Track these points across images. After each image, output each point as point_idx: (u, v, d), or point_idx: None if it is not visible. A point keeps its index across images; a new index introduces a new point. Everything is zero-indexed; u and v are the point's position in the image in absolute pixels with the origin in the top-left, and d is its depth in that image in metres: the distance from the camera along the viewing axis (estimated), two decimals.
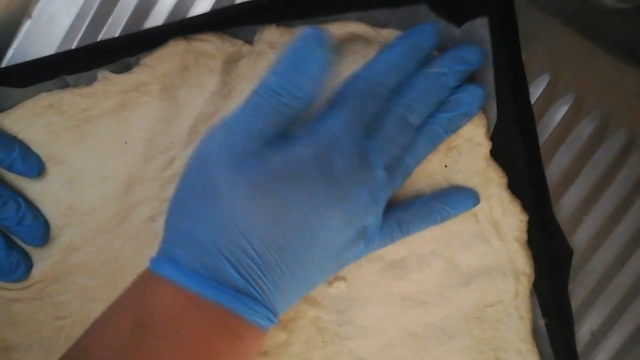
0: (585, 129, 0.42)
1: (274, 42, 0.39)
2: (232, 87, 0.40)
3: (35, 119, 0.39)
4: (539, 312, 0.42)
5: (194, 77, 0.39)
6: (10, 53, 0.41)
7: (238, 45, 0.39)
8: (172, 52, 0.38)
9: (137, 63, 0.38)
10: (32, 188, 0.40)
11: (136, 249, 0.41)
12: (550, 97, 0.42)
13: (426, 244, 0.40)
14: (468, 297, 0.41)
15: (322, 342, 0.41)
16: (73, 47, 0.41)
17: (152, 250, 0.39)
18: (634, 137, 0.42)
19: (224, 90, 0.40)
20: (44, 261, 0.39)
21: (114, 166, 0.40)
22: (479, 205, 0.39)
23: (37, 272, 0.39)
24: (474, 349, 0.41)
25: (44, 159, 0.39)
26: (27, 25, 0.41)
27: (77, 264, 0.40)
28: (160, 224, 0.40)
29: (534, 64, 0.41)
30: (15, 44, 0.41)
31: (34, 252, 0.40)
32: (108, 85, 0.39)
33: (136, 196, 0.40)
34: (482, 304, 0.41)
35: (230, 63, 0.39)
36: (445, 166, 0.39)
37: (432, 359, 0.41)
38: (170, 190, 0.40)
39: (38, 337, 0.41)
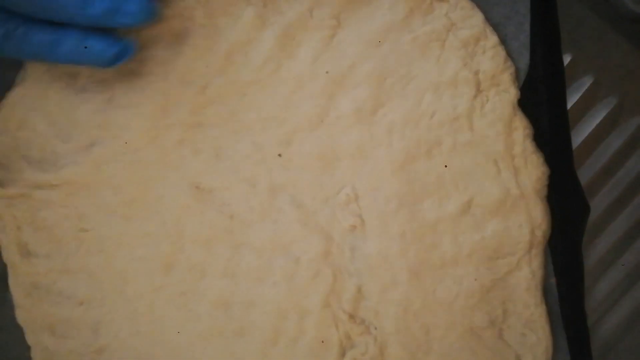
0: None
1: None
2: (265, 19, 0.41)
3: None
4: (551, 270, 0.43)
5: (234, 5, 0.41)
6: None
7: None
8: None
9: None
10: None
11: (160, 171, 0.42)
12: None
13: (444, 187, 0.41)
14: (481, 245, 0.41)
15: (332, 276, 0.42)
16: None
17: (176, 175, 0.41)
18: None
19: (257, 22, 0.41)
20: (75, 165, 0.41)
21: (151, 89, 0.41)
22: (500, 151, 0.40)
23: (67, 173, 0.41)
24: (482, 298, 0.42)
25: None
26: None
27: (104, 178, 0.42)
28: (187, 148, 0.42)
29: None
30: None
31: (67, 156, 0.42)
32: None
33: (169, 119, 0.42)
34: (495, 254, 0.42)
35: None
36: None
37: (437, 301, 0.41)
38: (200, 116, 0.42)
39: (58, 246, 0.43)
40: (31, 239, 0.42)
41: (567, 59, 0.42)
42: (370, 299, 0.43)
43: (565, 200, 0.41)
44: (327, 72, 0.41)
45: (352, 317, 0.43)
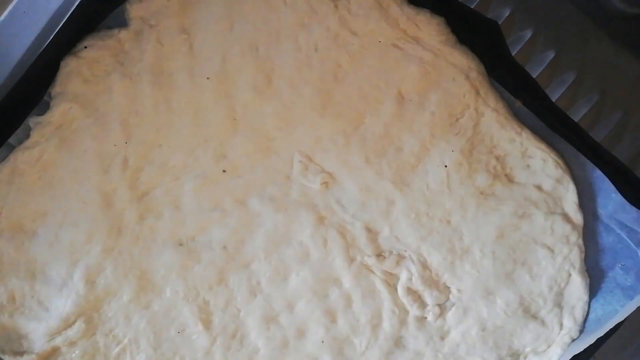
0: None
1: (145, 15, 0.42)
2: (130, 74, 0.42)
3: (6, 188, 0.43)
4: (510, 97, 0.42)
5: (100, 83, 0.42)
6: None
7: (115, 34, 0.41)
8: (69, 73, 0.41)
9: (50, 98, 0.42)
10: None
11: (143, 253, 0.43)
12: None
13: (371, 95, 0.41)
14: (435, 119, 0.41)
15: (339, 234, 0.42)
16: None
17: (158, 245, 0.42)
18: None
19: (126, 82, 0.42)
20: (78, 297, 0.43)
21: (85, 193, 0.43)
22: (392, 33, 0.40)
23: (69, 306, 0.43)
24: (471, 161, 0.41)
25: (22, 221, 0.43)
26: None
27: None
28: (149, 218, 0.43)
29: None
30: None
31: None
32: (43, 128, 0.42)
33: (115, 208, 0.43)
34: (453, 117, 0.41)
35: (119, 54, 0.42)
36: None
37: (436, 191, 0.41)
38: (139, 186, 0.43)
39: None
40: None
41: (550, 56, 0.43)
42: (382, 229, 0.43)
43: (474, 31, 0.40)
44: (208, 78, 0.42)
45: (379, 255, 0.44)
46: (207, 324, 0.43)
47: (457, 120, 0.42)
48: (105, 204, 0.43)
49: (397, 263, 0.43)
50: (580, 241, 0.41)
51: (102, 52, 0.41)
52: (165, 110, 0.42)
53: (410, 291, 0.43)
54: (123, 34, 0.42)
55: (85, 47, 0.41)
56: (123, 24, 0.42)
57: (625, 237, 0.41)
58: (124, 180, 0.43)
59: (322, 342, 0.43)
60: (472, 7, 0.41)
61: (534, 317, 0.42)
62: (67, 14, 0.40)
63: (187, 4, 0.41)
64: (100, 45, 0.41)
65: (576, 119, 0.43)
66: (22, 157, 0.42)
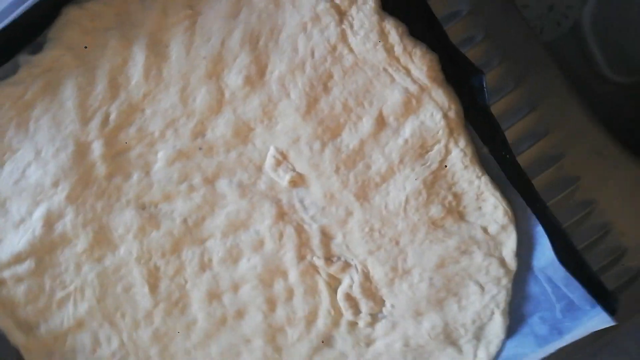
0: None
1: None
2: (128, 37, 0.43)
3: None
4: (479, 142, 0.45)
5: (97, 37, 0.43)
6: None
7: None
8: (69, 22, 0.42)
9: (45, 40, 0.42)
10: None
11: (105, 205, 0.45)
12: None
13: (353, 112, 0.43)
14: (407, 147, 0.44)
15: (295, 232, 0.45)
16: None
17: (119, 204, 0.44)
18: None
19: (123, 42, 0.43)
20: (30, 234, 0.44)
21: (61, 140, 0.44)
22: (385, 58, 0.42)
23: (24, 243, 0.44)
24: (429, 192, 0.44)
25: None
26: None
27: (59, 234, 0.45)
28: (118, 177, 0.44)
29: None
30: None
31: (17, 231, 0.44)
32: (31, 68, 0.43)
33: (89, 159, 0.44)
34: (423, 149, 0.44)
35: (122, 13, 0.43)
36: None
37: (392, 212, 0.44)
38: (115, 145, 0.44)
39: (49, 311, 0.46)
40: (26, 315, 0.46)
41: (525, 111, 0.46)
42: (336, 235, 0.46)
43: (463, 74, 0.43)
44: (204, 57, 0.44)
45: (328, 259, 0.46)
46: (153, 287, 0.45)
47: (427, 152, 0.44)
48: (78, 154, 0.44)
49: (343, 269, 0.46)
50: (510, 285, 0.45)
51: (107, 8, 0.42)
52: (155, 78, 0.43)
53: (348, 297, 0.46)
54: None
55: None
56: None
57: (550, 292, 0.44)
58: (102, 135, 0.44)
59: (258, 326, 0.45)
60: (464, 52, 0.43)
61: (453, 343, 0.46)
62: None
63: None
64: (105, 1, 0.42)
65: (533, 176, 0.46)
66: (5, 91, 0.43)
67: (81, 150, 0.44)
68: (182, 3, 0.43)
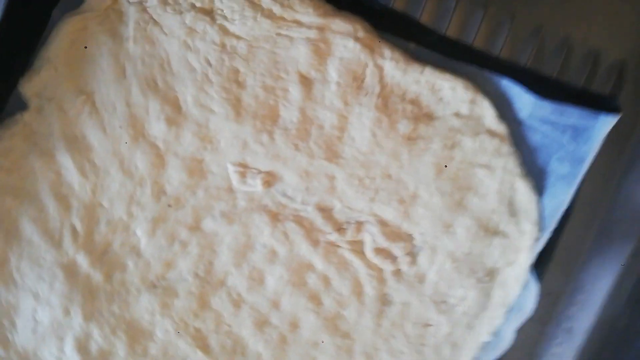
0: None
1: (39, 91, 0.42)
2: (47, 150, 0.43)
3: None
4: (403, 43, 0.43)
5: (21, 168, 0.43)
6: None
7: (19, 119, 0.42)
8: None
9: None
10: None
11: (119, 308, 0.45)
12: None
13: (276, 87, 0.43)
14: (342, 88, 0.42)
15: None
16: None
17: None
18: None
19: (46, 158, 0.43)
20: None
21: (47, 273, 0.44)
22: (270, 24, 0.41)
23: None
24: (386, 116, 0.43)
25: None
26: None
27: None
28: (115, 276, 0.45)
29: None
30: None
31: None
32: None
33: (82, 273, 0.44)
34: (359, 81, 0.42)
35: (29, 136, 0.42)
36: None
37: (356, 160, 0.43)
38: (93, 246, 0.44)
39: None
40: None
41: None
42: (333, 204, 0.44)
43: None
44: (120, 127, 0.43)
45: (339, 229, 0.45)
46: (205, 349, 0.45)
47: (362, 82, 0.43)
48: (69, 276, 0.44)
49: (358, 230, 0.45)
50: (512, 149, 0.43)
51: (14, 140, 0.42)
52: (92, 171, 0.43)
53: (378, 251, 0.45)
54: (27, 116, 0.42)
55: None
56: (23, 106, 0.42)
57: (550, 131, 0.43)
58: (79, 247, 0.44)
59: (317, 326, 0.45)
60: None
61: (495, 232, 0.44)
62: None
63: (74, 65, 0.42)
64: (9, 134, 0.42)
65: (470, 39, 0.44)
66: None
67: (70, 271, 0.44)
68: (72, 94, 0.42)
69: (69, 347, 0.44)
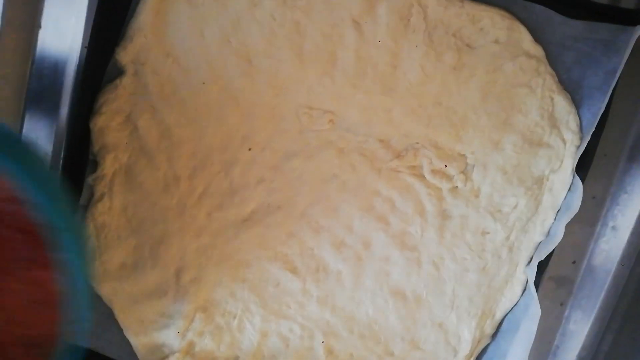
0: None
1: (133, 58, 0.49)
2: (147, 108, 0.51)
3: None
4: None
5: (128, 127, 0.50)
6: None
7: (118, 84, 0.49)
8: (100, 130, 0.49)
9: (94, 156, 0.50)
10: None
11: (221, 243, 0.52)
12: None
13: (331, 35, 0.48)
14: (392, 27, 0.48)
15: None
16: None
17: None
18: None
19: (146, 114, 0.51)
20: None
21: (158, 211, 0.52)
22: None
23: None
24: (433, 50, 0.48)
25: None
26: None
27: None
28: (214, 215, 0.51)
29: None
30: None
31: None
32: (101, 181, 0.51)
33: (187, 213, 0.52)
34: (405, 20, 0.48)
35: (130, 97, 0.50)
36: None
37: (409, 92, 0.49)
38: (193, 187, 0.51)
39: None
40: None
41: None
42: (391, 134, 0.50)
43: None
44: (203, 83, 0.50)
45: (398, 156, 0.51)
46: (293, 270, 0.52)
47: (408, 20, 0.48)
48: (178, 214, 0.51)
49: (415, 155, 0.51)
50: (549, 68, 0.48)
51: (117, 103, 0.49)
52: (187, 124, 0.50)
53: (435, 172, 0.51)
54: (125, 81, 0.49)
55: (102, 104, 0.49)
56: (121, 72, 0.49)
57: (582, 47, 0.47)
58: (183, 190, 0.51)
59: (386, 243, 0.51)
60: None
61: (539, 144, 0.49)
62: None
63: (160, 32, 0.49)
64: (112, 97, 0.49)
65: None
66: (97, 210, 0.51)
67: (179, 210, 0.52)
68: (161, 57, 0.49)
69: (186, 278, 0.51)
